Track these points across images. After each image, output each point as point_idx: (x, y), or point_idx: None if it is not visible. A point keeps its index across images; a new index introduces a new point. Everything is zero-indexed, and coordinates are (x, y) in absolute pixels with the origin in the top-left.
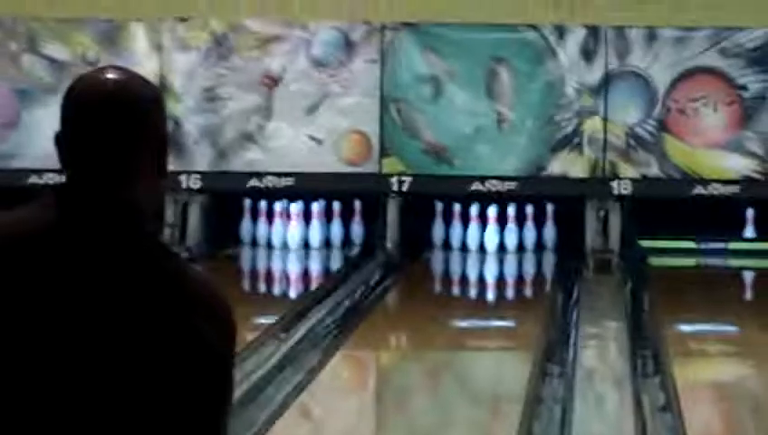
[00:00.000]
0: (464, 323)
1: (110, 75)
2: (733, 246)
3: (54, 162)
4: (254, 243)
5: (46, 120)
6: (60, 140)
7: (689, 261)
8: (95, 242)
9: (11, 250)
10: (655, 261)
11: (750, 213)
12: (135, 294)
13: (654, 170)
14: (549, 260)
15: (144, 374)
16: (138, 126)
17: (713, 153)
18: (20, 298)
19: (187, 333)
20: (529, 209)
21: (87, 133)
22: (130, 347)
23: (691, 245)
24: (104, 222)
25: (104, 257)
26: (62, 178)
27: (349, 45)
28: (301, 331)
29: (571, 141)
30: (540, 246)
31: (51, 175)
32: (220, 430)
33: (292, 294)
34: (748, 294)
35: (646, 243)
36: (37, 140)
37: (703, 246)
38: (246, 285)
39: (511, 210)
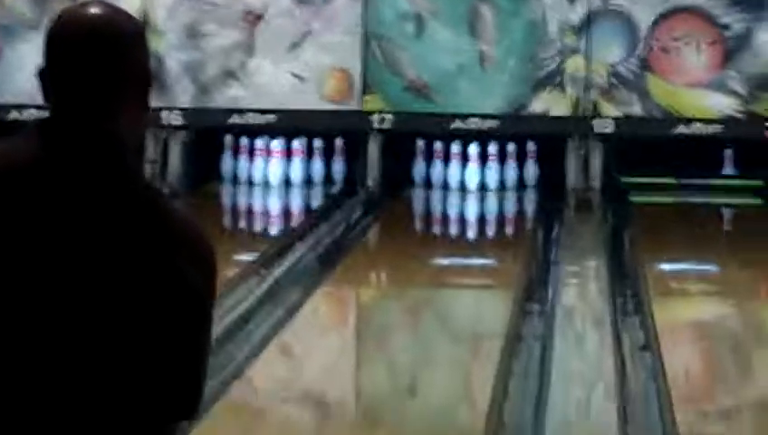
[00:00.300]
0: (444, 261)
1: (93, 10)
2: (714, 183)
3: (36, 98)
4: (234, 180)
5: (28, 55)
6: (43, 74)
7: (669, 198)
8: (80, 176)
9: None
10: (636, 198)
11: (729, 152)
12: (118, 230)
13: (636, 109)
14: (530, 198)
15: (124, 310)
16: (121, 60)
17: (695, 92)
18: (4, 231)
19: (168, 270)
20: (510, 148)
21: (70, 68)
22: (112, 283)
23: (672, 181)
24: (88, 155)
25: (88, 191)
26: (44, 114)
27: None
28: (281, 268)
29: (553, 80)
30: (521, 185)
31: (32, 111)
32: (200, 368)
33: (273, 231)
34: (728, 233)
35: (627, 179)
36: (19, 76)
37: (684, 182)
38: (227, 221)
39: (492, 148)
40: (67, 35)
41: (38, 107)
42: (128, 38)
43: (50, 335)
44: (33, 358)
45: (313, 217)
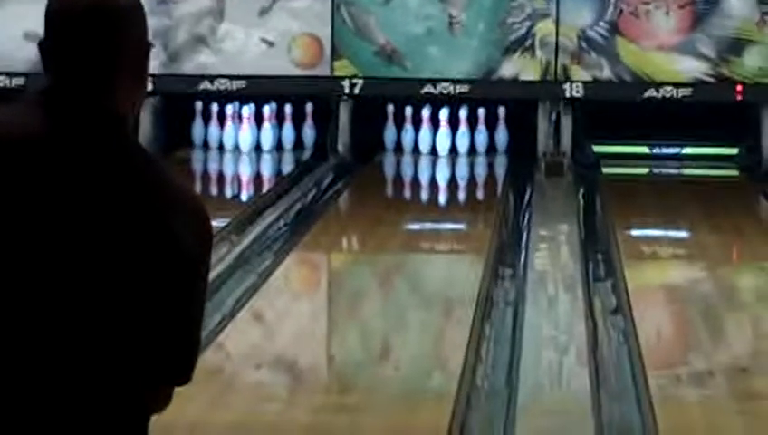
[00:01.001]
0: (415, 226)
1: None
2: (687, 152)
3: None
4: (205, 145)
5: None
6: (43, 46)
7: (643, 169)
8: (80, 148)
9: (7, 152)
10: (607, 169)
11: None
12: (120, 197)
13: (606, 73)
14: (501, 163)
15: (121, 271)
16: (117, 34)
17: (665, 56)
18: (13, 197)
19: (164, 235)
20: (481, 112)
21: (69, 41)
22: (111, 246)
23: (645, 150)
24: (90, 129)
25: (89, 163)
26: (22, 81)
27: None
28: (252, 233)
29: (523, 44)
30: (492, 149)
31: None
32: (193, 332)
33: (244, 196)
34: (700, 197)
35: (599, 149)
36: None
37: (656, 151)
38: (198, 187)
39: (463, 113)
40: (65, 9)
41: (25, 75)
42: (124, 12)
43: (51, 290)
44: (30, 315)
45: (284, 182)
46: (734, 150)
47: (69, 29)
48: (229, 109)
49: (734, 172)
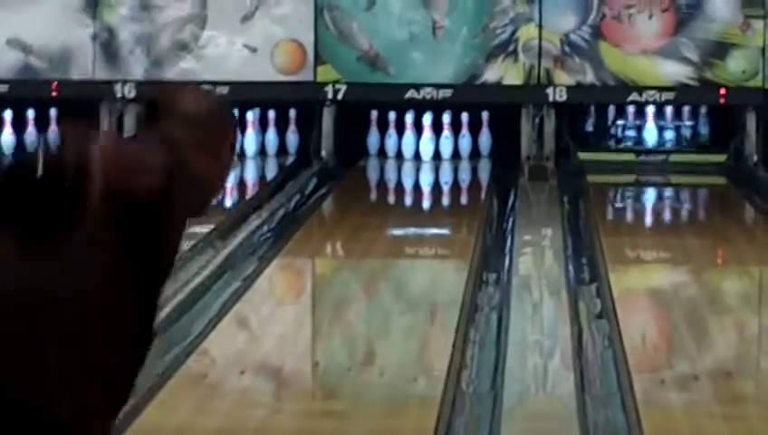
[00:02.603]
0: (400, 232)
1: None
2: (675, 159)
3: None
4: None
5: None
6: None
7: (629, 177)
8: None
9: None
10: (593, 178)
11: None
12: None
13: (589, 77)
14: (485, 167)
15: None
16: None
17: (648, 60)
18: None
19: None
20: (464, 117)
21: None
22: None
23: (630, 157)
24: None
25: None
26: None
27: None
28: (237, 239)
29: (506, 49)
30: (475, 154)
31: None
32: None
33: (228, 202)
34: (685, 202)
35: (584, 156)
36: None
37: (643, 158)
38: None
39: (446, 118)
40: None
41: (8, 81)
42: None
43: None
44: None
45: (268, 188)
46: (722, 158)
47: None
48: None
49: (722, 180)
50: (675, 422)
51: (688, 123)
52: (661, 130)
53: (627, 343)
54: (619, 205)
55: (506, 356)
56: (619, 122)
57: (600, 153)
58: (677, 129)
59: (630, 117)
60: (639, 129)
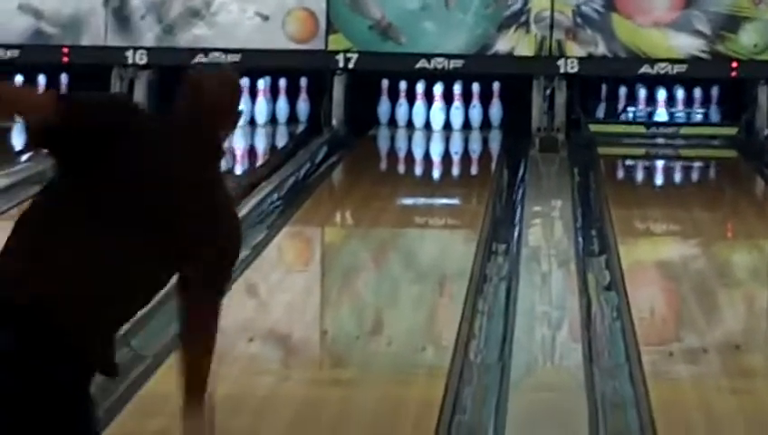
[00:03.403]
0: (409, 201)
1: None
2: (686, 132)
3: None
4: None
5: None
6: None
7: (640, 150)
8: (194, 152)
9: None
10: (603, 150)
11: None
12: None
13: (601, 49)
14: (495, 138)
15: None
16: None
17: (660, 32)
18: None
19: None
20: (475, 87)
21: (201, 101)
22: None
23: (641, 129)
24: (201, 149)
25: (195, 159)
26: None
27: None
28: (246, 207)
29: (518, 19)
30: (486, 125)
31: None
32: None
33: (238, 170)
34: (695, 174)
35: (595, 128)
36: None
37: (653, 130)
38: None
39: (457, 88)
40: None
41: (19, 46)
42: (235, 88)
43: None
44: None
45: (278, 156)
46: (733, 131)
47: (203, 94)
48: None
49: (733, 153)
50: (683, 395)
51: (699, 110)
52: (672, 115)
53: (635, 315)
54: (629, 177)
55: (514, 327)
56: (630, 109)
57: (610, 126)
58: (688, 115)
59: (641, 104)
60: (650, 114)
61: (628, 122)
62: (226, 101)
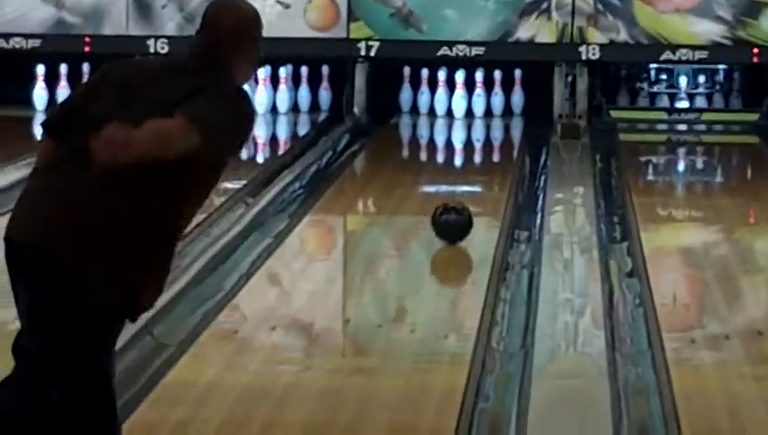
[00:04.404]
0: (431, 189)
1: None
2: (707, 117)
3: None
4: None
5: None
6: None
7: (661, 136)
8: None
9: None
10: (624, 136)
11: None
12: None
13: (622, 35)
14: (517, 125)
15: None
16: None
17: (681, 18)
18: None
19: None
20: (497, 75)
21: (221, 36)
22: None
23: (663, 116)
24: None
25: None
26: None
27: None
28: (268, 195)
29: (539, 6)
30: (508, 112)
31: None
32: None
33: (260, 159)
34: (716, 160)
35: (616, 114)
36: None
37: (675, 116)
38: None
39: (479, 75)
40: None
41: (41, 36)
42: (256, 22)
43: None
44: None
45: (300, 144)
46: (755, 117)
47: (221, 28)
48: None
49: (754, 139)
50: (705, 381)
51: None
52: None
53: (657, 301)
54: (651, 164)
55: (537, 314)
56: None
57: (632, 112)
58: (710, 101)
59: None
60: (672, 100)
61: (649, 109)
62: (231, 24)
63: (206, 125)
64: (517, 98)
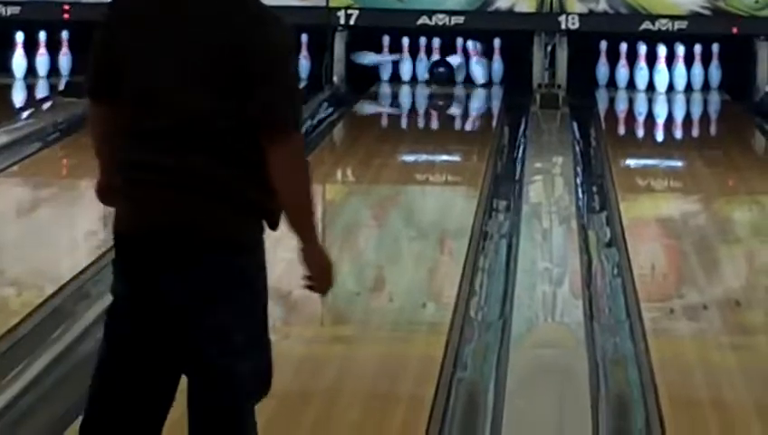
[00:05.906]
0: (410, 158)
1: None
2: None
3: None
4: None
5: None
6: None
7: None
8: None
9: None
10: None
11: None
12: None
13: (602, 5)
14: (496, 95)
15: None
16: None
17: None
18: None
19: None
20: (469, 44)
21: None
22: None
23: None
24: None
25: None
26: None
27: None
28: None
29: None
30: (487, 81)
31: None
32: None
33: None
34: (697, 131)
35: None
36: None
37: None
38: None
39: (458, 45)
40: None
41: (20, 3)
42: None
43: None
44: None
45: None
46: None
47: None
48: None
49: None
50: (683, 351)
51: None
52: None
53: (636, 271)
54: (629, 133)
55: (515, 284)
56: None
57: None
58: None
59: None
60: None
61: (629, 79)
62: None
63: (288, 115)
64: (496, 67)
